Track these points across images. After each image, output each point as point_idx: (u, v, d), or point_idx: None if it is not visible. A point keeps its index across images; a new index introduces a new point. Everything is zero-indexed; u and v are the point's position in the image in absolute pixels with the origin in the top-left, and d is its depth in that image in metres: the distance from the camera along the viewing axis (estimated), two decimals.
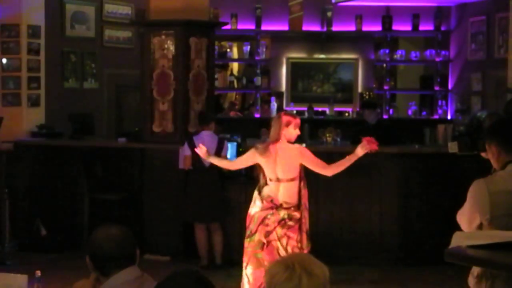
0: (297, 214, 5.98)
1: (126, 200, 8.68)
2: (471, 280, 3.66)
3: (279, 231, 5.92)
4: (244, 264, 6.06)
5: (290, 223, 5.94)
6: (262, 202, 6.00)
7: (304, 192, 6.08)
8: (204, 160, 7.80)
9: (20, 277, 3.81)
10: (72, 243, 8.71)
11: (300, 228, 5.99)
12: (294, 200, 5.99)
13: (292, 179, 5.99)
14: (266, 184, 6.08)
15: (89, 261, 3.23)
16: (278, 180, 6.00)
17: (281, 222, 5.93)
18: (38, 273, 3.95)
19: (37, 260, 7.76)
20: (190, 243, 8.20)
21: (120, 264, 3.17)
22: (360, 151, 5.90)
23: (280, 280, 2.53)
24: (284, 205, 5.95)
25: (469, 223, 3.64)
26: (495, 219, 3.50)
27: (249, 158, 6.20)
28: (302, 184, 6.06)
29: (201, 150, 6.53)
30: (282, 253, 5.85)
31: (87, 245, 3.32)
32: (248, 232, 6.05)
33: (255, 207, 6.06)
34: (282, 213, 5.94)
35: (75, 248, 8.54)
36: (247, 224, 6.11)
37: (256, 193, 6.12)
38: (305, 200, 6.08)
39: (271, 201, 5.97)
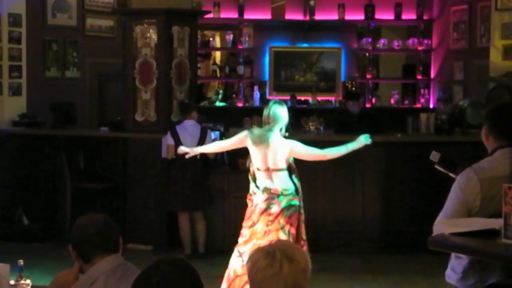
0: (296, 200, 5.98)
1: (109, 189, 8.66)
2: (453, 276, 3.63)
3: (281, 220, 5.90)
4: (241, 241, 5.97)
5: (291, 210, 5.93)
6: (263, 193, 5.98)
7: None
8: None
9: (2, 266, 3.78)
10: (55, 232, 8.69)
11: (299, 219, 6.00)
12: (290, 185, 5.98)
13: (281, 169, 5.97)
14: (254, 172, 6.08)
15: (72, 250, 3.22)
16: (268, 170, 5.96)
17: (283, 210, 5.91)
18: (21, 262, 3.92)
19: (20, 250, 7.70)
20: (173, 232, 8.19)
21: (102, 251, 3.16)
22: (361, 142, 5.99)
23: (261, 267, 2.53)
24: (284, 192, 5.94)
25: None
26: (484, 206, 3.50)
27: (240, 141, 6.13)
28: (294, 176, 6.07)
29: (183, 151, 6.53)
30: None
31: (69, 233, 3.30)
32: (250, 223, 5.98)
33: (257, 198, 6.02)
34: (285, 200, 5.93)
35: (58, 238, 8.52)
36: (248, 214, 6.05)
37: (252, 184, 6.08)
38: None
39: (270, 191, 5.96)
